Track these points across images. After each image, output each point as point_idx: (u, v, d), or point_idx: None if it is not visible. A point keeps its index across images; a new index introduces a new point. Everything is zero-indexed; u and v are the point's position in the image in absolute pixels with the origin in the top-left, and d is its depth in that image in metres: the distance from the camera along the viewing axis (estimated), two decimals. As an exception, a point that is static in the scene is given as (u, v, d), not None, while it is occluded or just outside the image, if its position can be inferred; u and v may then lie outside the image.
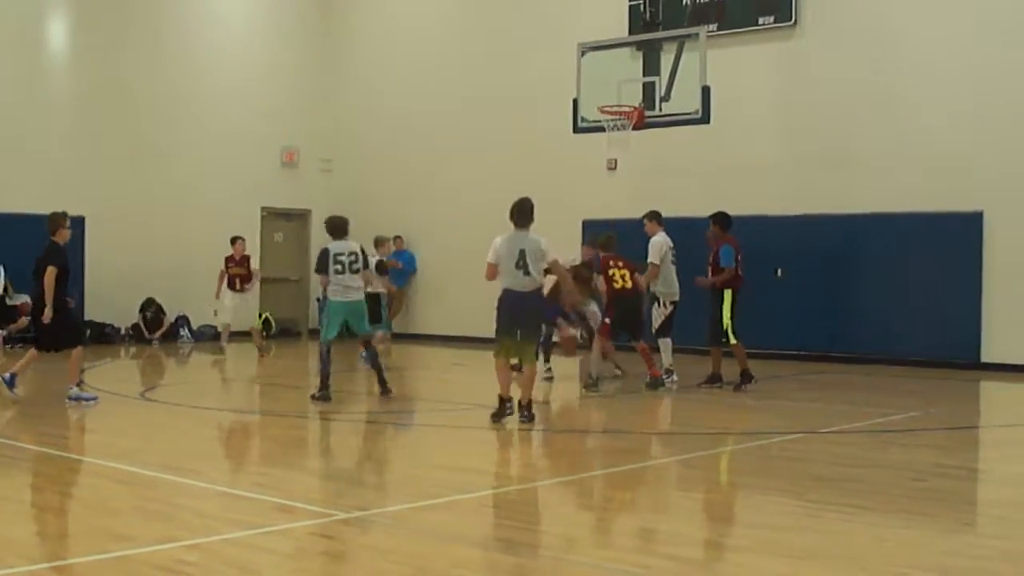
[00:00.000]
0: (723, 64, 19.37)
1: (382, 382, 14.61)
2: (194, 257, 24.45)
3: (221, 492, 8.76)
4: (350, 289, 14.44)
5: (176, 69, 25.40)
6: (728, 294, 15.36)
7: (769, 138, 21.32)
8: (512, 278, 12.16)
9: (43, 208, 22.93)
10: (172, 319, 24.55)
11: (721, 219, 16.01)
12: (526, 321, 12.33)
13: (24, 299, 22.50)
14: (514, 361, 13.17)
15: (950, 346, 19.23)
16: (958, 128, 19.45)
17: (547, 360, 16.79)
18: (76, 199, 23.28)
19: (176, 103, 25.29)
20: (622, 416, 13.45)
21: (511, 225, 12.30)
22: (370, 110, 27.39)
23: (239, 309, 21.71)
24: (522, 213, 12.27)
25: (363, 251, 14.81)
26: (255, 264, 21.65)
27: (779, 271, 20.78)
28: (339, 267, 14.31)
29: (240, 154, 26.19)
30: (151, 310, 24.23)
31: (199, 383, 17.78)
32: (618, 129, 18.61)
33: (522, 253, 12.07)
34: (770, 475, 9.75)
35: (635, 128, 18.72)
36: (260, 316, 26.51)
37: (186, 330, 24.91)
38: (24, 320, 22.39)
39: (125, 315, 24.16)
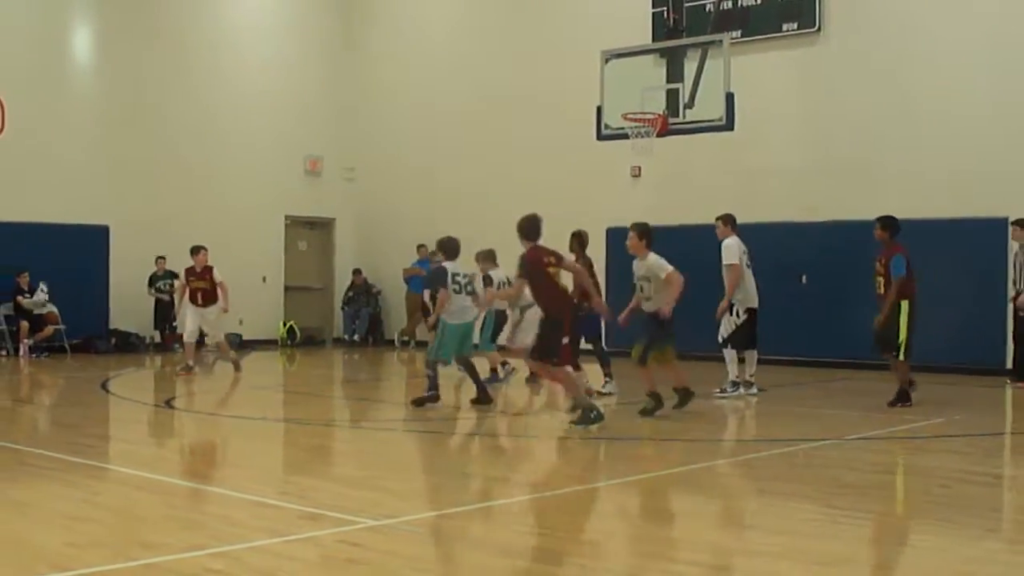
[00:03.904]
0: (747, 71, 19.36)
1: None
2: (217, 265, 24.51)
3: (247, 500, 8.78)
4: (467, 310, 14.48)
5: (200, 78, 25.55)
6: (905, 305, 14.43)
7: (793, 144, 21.31)
8: None
9: (68, 218, 23.27)
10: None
11: (889, 224, 15.03)
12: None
13: (51, 309, 22.65)
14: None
15: (975, 352, 19.13)
16: (982, 133, 19.40)
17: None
18: (100, 209, 23.53)
19: (200, 112, 25.43)
20: (646, 423, 13.43)
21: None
22: (393, 118, 27.44)
23: (201, 326, 19.64)
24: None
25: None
26: (219, 275, 19.45)
27: (803, 278, 20.75)
28: (456, 287, 14.33)
29: (263, 163, 26.31)
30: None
31: (223, 391, 17.83)
32: (642, 136, 18.60)
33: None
34: (795, 482, 9.73)
35: (659, 135, 18.68)
36: (284, 324, 26.63)
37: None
38: (50, 329, 22.55)
39: (149, 324, 24.30)
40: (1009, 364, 18.62)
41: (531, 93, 24.69)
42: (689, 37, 19.65)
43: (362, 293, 27.26)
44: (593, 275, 15.84)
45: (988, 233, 19.11)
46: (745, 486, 9.74)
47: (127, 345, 23.66)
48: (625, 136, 18.80)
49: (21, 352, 21.93)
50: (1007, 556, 7.30)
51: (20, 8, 23.35)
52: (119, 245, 23.54)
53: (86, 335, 23.22)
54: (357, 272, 27.39)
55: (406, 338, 26.46)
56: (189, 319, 19.32)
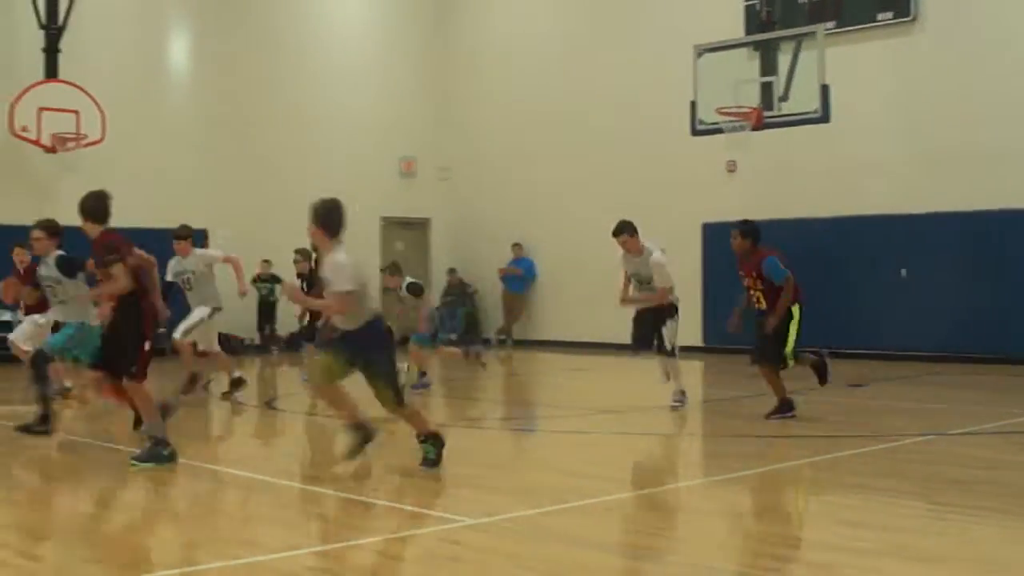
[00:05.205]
0: (841, 62, 19.14)
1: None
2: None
3: (347, 499, 8.85)
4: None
5: (295, 83, 25.79)
6: (795, 311, 12.50)
7: (889, 136, 21.02)
8: None
9: (165, 223, 23.44)
10: (295, 330, 24.83)
11: (750, 231, 12.81)
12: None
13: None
14: None
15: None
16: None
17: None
18: (198, 213, 23.66)
19: (294, 116, 25.66)
20: (740, 420, 13.32)
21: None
22: (487, 117, 27.52)
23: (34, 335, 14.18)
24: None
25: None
26: None
27: (903, 271, 20.47)
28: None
29: (358, 165, 26.44)
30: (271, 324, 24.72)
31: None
32: (737, 130, 18.50)
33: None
34: (899, 477, 9.60)
35: (754, 129, 18.60)
36: (382, 325, 26.76)
37: (310, 340, 25.19)
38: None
39: (251, 326, 24.55)
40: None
41: (624, 89, 24.61)
42: (782, 29, 19.50)
43: (457, 292, 27.34)
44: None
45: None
46: (847, 482, 9.61)
47: (228, 347, 23.88)
48: (720, 131, 18.72)
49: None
50: (1119, 552, 7.16)
51: (120, 21, 23.73)
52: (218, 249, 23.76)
53: (187, 337, 23.46)
54: (452, 271, 27.49)
55: (503, 336, 26.55)
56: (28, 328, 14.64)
